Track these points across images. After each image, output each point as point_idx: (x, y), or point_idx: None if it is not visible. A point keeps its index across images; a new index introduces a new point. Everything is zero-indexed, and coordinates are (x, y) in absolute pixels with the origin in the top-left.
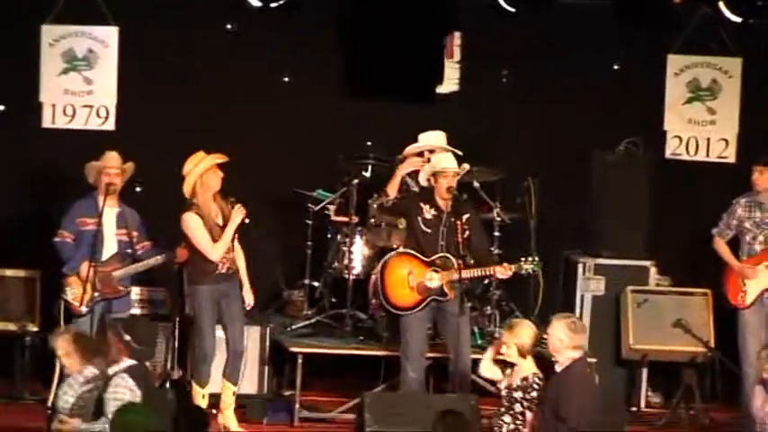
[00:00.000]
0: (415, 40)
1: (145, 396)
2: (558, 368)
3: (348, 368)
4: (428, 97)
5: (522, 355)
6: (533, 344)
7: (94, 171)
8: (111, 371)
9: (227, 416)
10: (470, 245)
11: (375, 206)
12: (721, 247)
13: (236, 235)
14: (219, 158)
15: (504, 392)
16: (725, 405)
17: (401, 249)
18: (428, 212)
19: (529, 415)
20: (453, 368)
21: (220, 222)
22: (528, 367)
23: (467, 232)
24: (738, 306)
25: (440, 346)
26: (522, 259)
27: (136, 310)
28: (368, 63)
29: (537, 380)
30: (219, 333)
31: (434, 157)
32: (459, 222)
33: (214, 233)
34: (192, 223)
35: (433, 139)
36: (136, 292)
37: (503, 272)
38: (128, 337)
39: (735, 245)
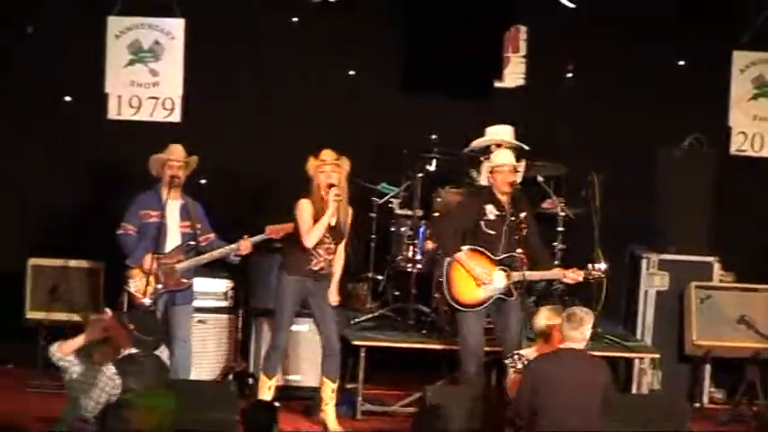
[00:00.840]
0: (474, 35)
1: (147, 386)
2: None
3: (410, 362)
4: (486, 92)
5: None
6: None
7: (158, 164)
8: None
9: (327, 412)
10: (528, 241)
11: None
12: None
13: (344, 240)
14: (332, 162)
15: None
16: None
17: (469, 246)
18: (491, 213)
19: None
20: None
21: (332, 223)
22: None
23: (524, 230)
24: None
25: (497, 340)
26: (590, 266)
27: (199, 303)
28: (427, 57)
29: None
30: (297, 327)
31: (494, 153)
32: (519, 220)
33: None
34: (302, 207)
35: (499, 132)
36: (199, 285)
37: (571, 277)
38: (131, 326)
39: None
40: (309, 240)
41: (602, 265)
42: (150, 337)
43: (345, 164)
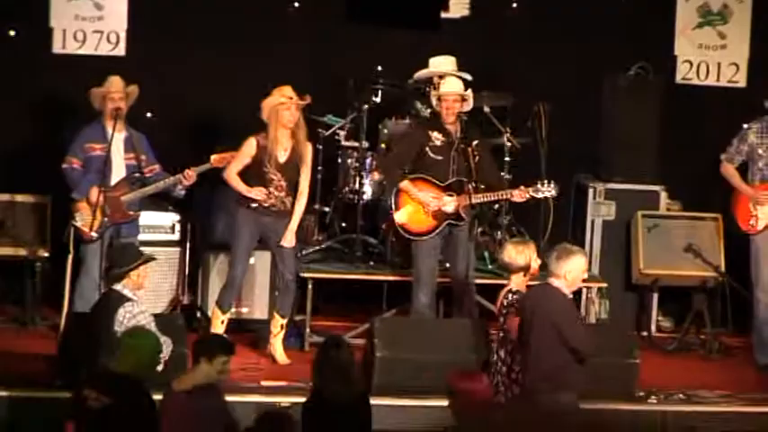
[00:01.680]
0: None
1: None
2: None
3: (358, 293)
4: (433, 23)
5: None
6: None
7: (99, 97)
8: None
9: (275, 345)
10: (481, 170)
11: (381, 153)
12: (730, 171)
13: (303, 178)
14: (288, 97)
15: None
16: (735, 330)
17: (415, 175)
18: (437, 139)
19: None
20: (459, 293)
21: (282, 160)
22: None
23: (477, 157)
24: (749, 232)
25: (448, 271)
26: (539, 183)
27: (146, 236)
28: None
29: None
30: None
31: (442, 82)
32: (470, 148)
33: (268, 165)
34: (246, 144)
35: (442, 64)
36: (146, 218)
37: (521, 195)
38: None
39: (743, 171)
40: (225, 175)
41: (552, 186)
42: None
43: (303, 102)
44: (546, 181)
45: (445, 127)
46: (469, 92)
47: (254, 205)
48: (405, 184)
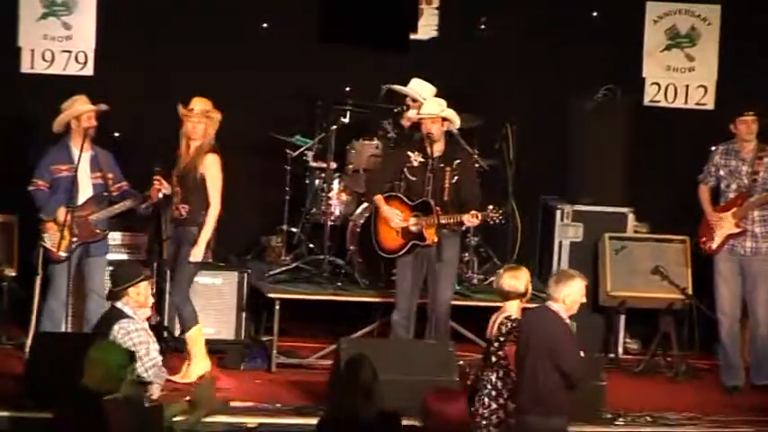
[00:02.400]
0: None
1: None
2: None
3: (325, 314)
4: (402, 44)
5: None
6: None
7: (68, 119)
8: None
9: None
10: (459, 191)
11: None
12: (702, 194)
13: (216, 186)
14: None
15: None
16: (702, 352)
17: (390, 193)
18: (415, 160)
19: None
20: (431, 313)
21: (181, 167)
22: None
23: (455, 177)
24: (705, 251)
25: (423, 291)
26: (490, 207)
27: (115, 256)
28: (342, 8)
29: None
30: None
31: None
32: (448, 168)
33: (173, 174)
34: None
35: (421, 89)
36: (115, 238)
37: (470, 219)
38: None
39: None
40: None
41: (501, 211)
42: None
43: (216, 115)
44: (495, 206)
45: (425, 146)
46: (451, 112)
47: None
48: (377, 198)
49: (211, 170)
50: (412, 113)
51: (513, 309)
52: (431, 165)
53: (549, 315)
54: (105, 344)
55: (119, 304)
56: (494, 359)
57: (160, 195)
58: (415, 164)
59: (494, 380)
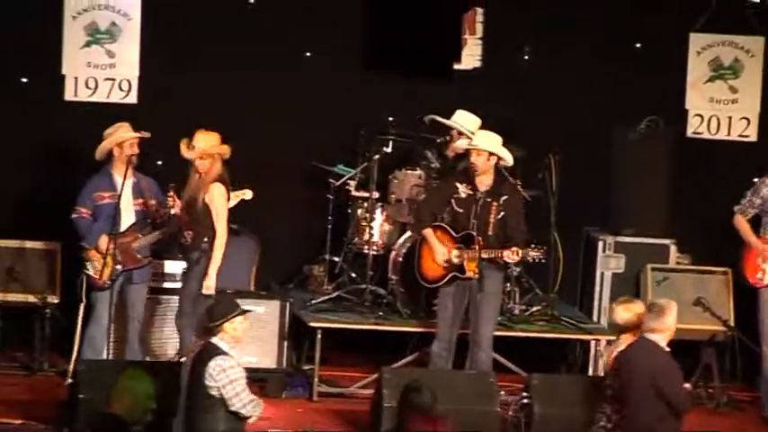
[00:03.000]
0: (434, 16)
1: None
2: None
3: (367, 344)
4: (446, 74)
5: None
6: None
7: (111, 146)
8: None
9: None
10: (505, 226)
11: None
12: (742, 224)
13: (220, 215)
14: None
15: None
16: (744, 384)
17: (437, 223)
18: (463, 192)
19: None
20: (472, 344)
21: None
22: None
23: (501, 213)
24: (756, 285)
25: (464, 322)
26: (531, 246)
27: (157, 284)
28: (387, 38)
29: None
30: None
31: (479, 132)
32: (495, 203)
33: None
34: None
35: (466, 121)
36: (156, 266)
37: (509, 256)
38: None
39: (755, 224)
40: None
41: (542, 250)
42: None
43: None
44: (536, 245)
45: (473, 180)
46: (503, 150)
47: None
48: (427, 231)
49: (217, 200)
50: (461, 143)
51: (627, 341)
52: (478, 198)
53: (653, 347)
54: (133, 372)
55: (214, 340)
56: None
57: (173, 212)
58: (463, 195)
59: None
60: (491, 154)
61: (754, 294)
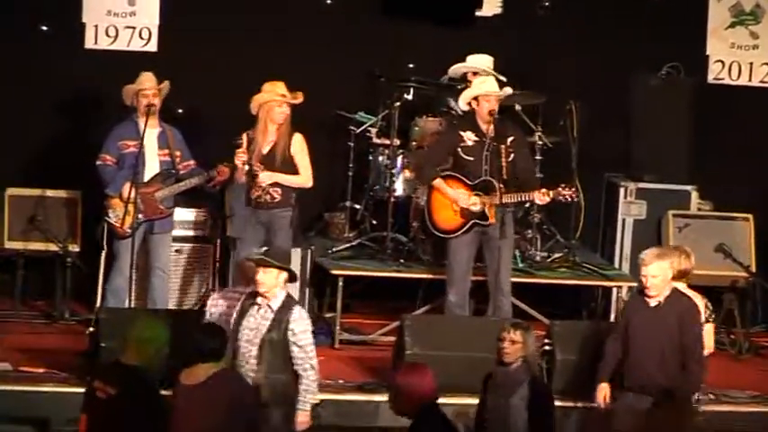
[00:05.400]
0: None
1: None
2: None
3: (388, 291)
4: (467, 20)
5: None
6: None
7: (131, 93)
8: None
9: None
10: (516, 167)
11: (413, 151)
12: None
13: (308, 164)
14: (281, 95)
15: None
16: (765, 330)
17: (447, 173)
18: (469, 140)
19: None
20: (492, 291)
21: (264, 151)
22: None
23: (512, 155)
24: None
25: (482, 269)
26: (561, 185)
27: (178, 232)
28: None
29: None
30: None
31: (476, 80)
32: (503, 146)
33: (253, 158)
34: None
35: (479, 61)
36: (176, 214)
37: (541, 198)
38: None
39: None
40: (235, 176)
41: (574, 190)
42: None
43: (299, 99)
44: (567, 184)
45: (478, 126)
46: (508, 90)
47: (251, 198)
48: (438, 181)
49: (302, 149)
50: (469, 91)
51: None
52: (487, 143)
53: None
54: (144, 321)
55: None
56: None
57: (239, 164)
58: (470, 143)
59: None
60: (498, 97)
61: None
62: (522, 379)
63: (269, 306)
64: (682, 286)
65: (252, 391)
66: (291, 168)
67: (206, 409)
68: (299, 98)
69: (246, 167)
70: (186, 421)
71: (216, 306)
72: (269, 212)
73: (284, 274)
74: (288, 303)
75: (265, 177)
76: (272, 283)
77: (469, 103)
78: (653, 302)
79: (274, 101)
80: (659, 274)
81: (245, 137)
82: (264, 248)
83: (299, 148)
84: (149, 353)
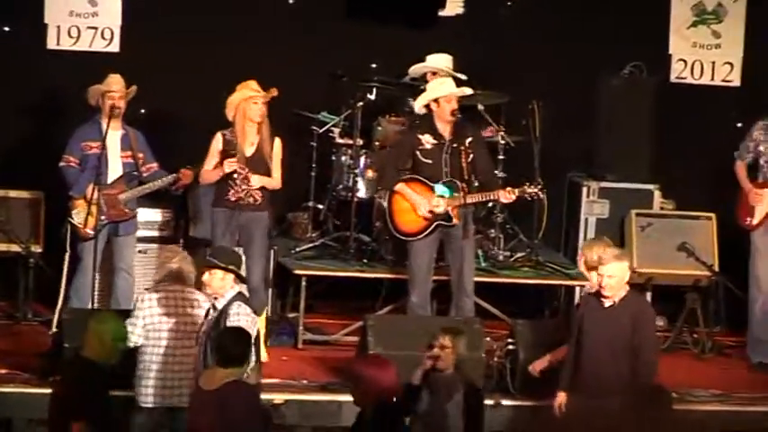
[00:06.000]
0: None
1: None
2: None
3: (351, 291)
4: (430, 20)
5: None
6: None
7: (97, 94)
8: (219, 303)
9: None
10: (475, 167)
11: (373, 150)
12: (739, 169)
13: (273, 171)
14: (257, 92)
15: None
16: (728, 329)
17: (408, 176)
18: (427, 143)
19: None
20: (455, 291)
21: (248, 154)
22: None
23: (471, 155)
24: (747, 228)
25: (444, 269)
26: (526, 183)
27: (142, 232)
28: None
29: None
30: None
31: (432, 82)
32: (462, 147)
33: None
34: (211, 143)
35: (439, 61)
36: (140, 215)
37: (506, 196)
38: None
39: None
40: (201, 178)
41: (539, 187)
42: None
43: (273, 92)
44: (532, 182)
45: (436, 128)
46: (467, 90)
47: (230, 200)
48: (400, 186)
49: (279, 153)
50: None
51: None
52: (446, 145)
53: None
54: (103, 316)
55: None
56: None
57: (228, 170)
58: (428, 146)
59: None
60: (458, 97)
61: (739, 239)
62: (457, 386)
63: (214, 307)
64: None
65: (262, 407)
66: (268, 171)
67: (215, 417)
68: (274, 93)
69: (231, 169)
70: (195, 425)
71: (151, 307)
72: (248, 215)
73: (230, 276)
74: (232, 300)
75: (256, 181)
76: (218, 285)
77: (427, 105)
78: (607, 303)
79: (250, 98)
80: (616, 275)
81: (220, 137)
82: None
83: (277, 151)
84: (106, 348)
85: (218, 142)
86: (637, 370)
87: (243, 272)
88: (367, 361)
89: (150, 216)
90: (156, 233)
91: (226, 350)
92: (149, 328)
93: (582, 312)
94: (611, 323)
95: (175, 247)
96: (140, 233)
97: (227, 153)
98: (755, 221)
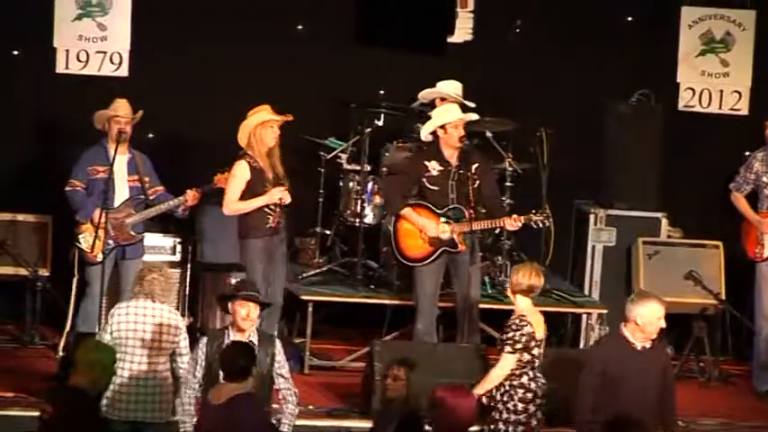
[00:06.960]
0: None
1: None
2: None
3: (358, 316)
4: (439, 47)
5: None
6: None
7: (104, 119)
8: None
9: None
10: (481, 193)
11: (381, 176)
12: (739, 201)
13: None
14: (271, 115)
15: None
16: (735, 358)
17: (414, 201)
18: (434, 169)
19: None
20: (462, 317)
21: (271, 177)
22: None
23: (477, 182)
24: (756, 259)
25: (450, 295)
26: (533, 211)
27: (149, 257)
28: (380, 11)
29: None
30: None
31: (438, 109)
32: (468, 173)
33: (267, 186)
34: (236, 171)
35: (448, 87)
36: (148, 240)
37: (512, 224)
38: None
39: (753, 199)
40: (227, 209)
41: (545, 215)
42: None
43: (288, 117)
44: (539, 210)
45: (443, 155)
46: (473, 116)
47: (270, 227)
48: (406, 210)
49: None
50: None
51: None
52: (453, 172)
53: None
54: (93, 343)
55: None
56: None
57: (287, 202)
58: (434, 173)
59: None
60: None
61: (746, 268)
62: (396, 415)
63: (251, 341)
64: (528, 302)
65: (269, 422)
66: None
67: (224, 430)
68: (289, 117)
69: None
70: None
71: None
72: (278, 237)
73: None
74: (265, 336)
75: (289, 199)
76: (254, 319)
77: (433, 132)
78: (648, 344)
79: (266, 122)
80: (662, 315)
81: (246, 165)
82: (238, 280)
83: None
84: (96, 375)
85: (245, 170)
86: (668, 410)
87: None
88: (448, 390)
89: (158, 241)
90: (163, 257)
91: (231, 364)
92: (117, 342)
93: (607, 354)
94: (651, 364)
95: (158, 263)
96: (147, 257)
97: (261, 182)
98: (767, 254)
